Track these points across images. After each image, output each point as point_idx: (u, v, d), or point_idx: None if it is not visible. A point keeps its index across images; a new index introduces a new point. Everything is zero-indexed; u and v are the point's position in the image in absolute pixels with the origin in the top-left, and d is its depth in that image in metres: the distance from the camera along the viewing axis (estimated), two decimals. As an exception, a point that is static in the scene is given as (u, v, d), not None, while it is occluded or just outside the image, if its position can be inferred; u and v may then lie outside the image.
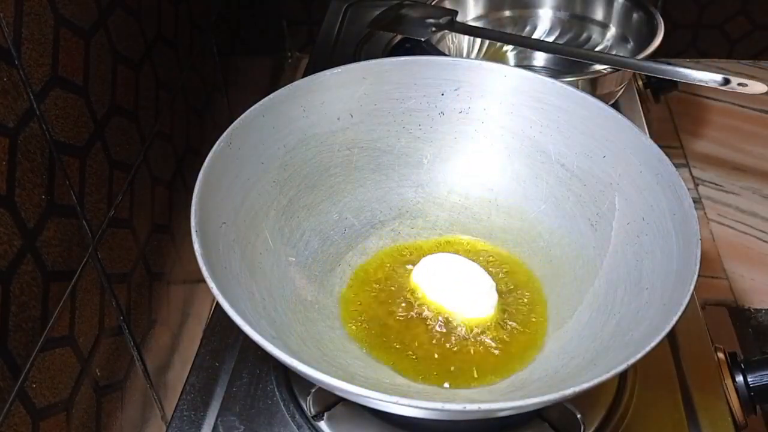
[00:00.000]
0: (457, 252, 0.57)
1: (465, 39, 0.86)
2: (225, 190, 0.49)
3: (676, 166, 0.49)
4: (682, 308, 0.40)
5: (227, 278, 0.44)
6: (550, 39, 0.88)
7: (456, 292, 0.52)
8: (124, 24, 0.62)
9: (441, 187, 0.60)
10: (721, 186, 1.13)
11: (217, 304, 0.40)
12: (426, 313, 0.51)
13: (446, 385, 0.47)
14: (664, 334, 0.39)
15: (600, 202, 0.53)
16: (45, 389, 0.50)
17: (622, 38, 0.84)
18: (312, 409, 0.50)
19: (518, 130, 0.58)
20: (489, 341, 0.50)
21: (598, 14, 0.86)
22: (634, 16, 0.82)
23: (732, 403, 0.52)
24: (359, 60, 0.58)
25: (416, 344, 0.50)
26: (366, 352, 0.49)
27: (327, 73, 0.56)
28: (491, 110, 0.58)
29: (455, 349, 0.49)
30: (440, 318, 0.51)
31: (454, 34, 0.83)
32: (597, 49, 0.85)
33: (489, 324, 0.51)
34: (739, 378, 0.53)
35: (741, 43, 1.32)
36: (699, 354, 0.56)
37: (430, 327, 0.51)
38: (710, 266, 1.01)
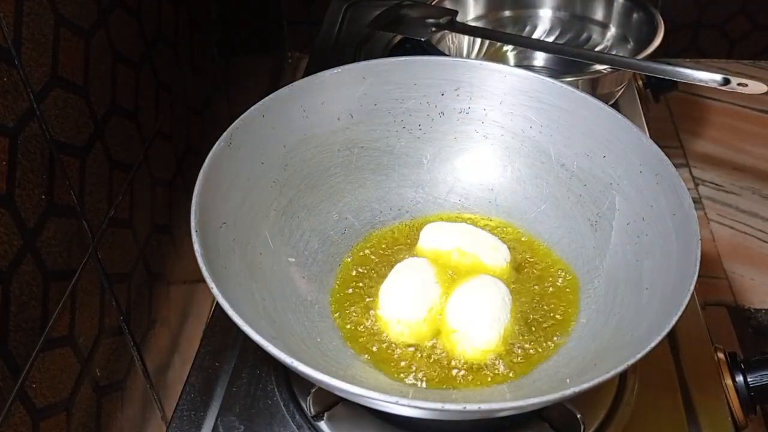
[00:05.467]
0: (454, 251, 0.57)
1: (465, 39, 0.86)
2: (225, 190, 0.49)
3: (676, 166, 0.49)
4: (682, 308, 0.40)
5: (227, 278, 0.44)
6: (550, 39, 0.88)
7: (467, 315, 0.50)
8: (124, 24, 0.62)
9: (441, 187, 0.60)
10: (721, 186, 1.13)
11: (217, 304, 0.40)
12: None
13: (445, 384, 0.47)
14: (664, 334, 0.39)
15: (600, 202, 0.53)
16: (45, 389, 0.50)
17: (622, 38, 0.84)
18: (312, 409, 0.50)
19: (518, 130, 0.58)
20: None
21: (598, 14, 0.86)
22: (634, 16, 0.82)
23: (732, 403, 0.52)
24: (359, 60, 0.58)
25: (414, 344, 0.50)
26: (365, 354, 0.49)
27: (327, 73, 0.56)
28: (491, 110, 0.58)
29: (454, 353, 0.49)
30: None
31: (454, 34, 0.83)
32: (597, 49, 0.85)
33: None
34: (739, 378, 0.53)
35: (741, 43, 1.32)
36: (699, 354, 0.56)
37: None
38: (710, 266, 1.01)
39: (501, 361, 0.48)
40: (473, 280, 0.52)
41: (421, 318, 0.50)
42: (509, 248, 0.55)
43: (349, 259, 0.56)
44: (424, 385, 0.47)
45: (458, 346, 0.49)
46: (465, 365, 0.48)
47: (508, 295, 0.51)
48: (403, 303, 0.51)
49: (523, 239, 0.57)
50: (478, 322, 0.49)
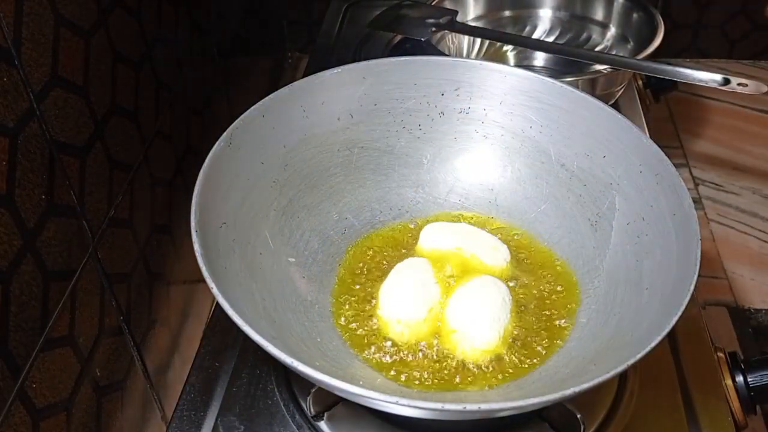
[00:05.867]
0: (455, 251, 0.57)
1: (465, 39, 0.86)
2: (225, 190, 0.49)
3: (676, 166, 0.49)
4: (682, 308, 0.40)
5: (227, 278, 0.44)
6: (550, 39, 0.88)
7: (467, 315, 0.50)
8: (124, 24, 0.62)
9: (441, 187, 0.60)
10: (721, 186, 1.13)
11: (217, 304, 0.40)
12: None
13: (445, 385, 0.47)
14: (664, 334, 0.39)
15: (600, 202, 0.53)
16: (45, 389, 0.50)
17: (622, 38, 0.84)
18: (312, 409, 0.50)
19: (518, 130, 0.58)
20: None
21: (598, 14, 0.86)
22: (634, 16, 0.82)
23: (732, 403, 0.52)
24: (359, 60, 0.58)
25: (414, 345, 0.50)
26: (365, 354, 0.49)
27: (327, 73, 0.56)
28: (491, 110, 0.58)
29: (453, 354, 0.49)
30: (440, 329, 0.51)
31: (454, 34, 0.83)
32: (597, 49, 0.85)
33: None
34: (739, 378, 0.53)
35: (741, 43, 1.32)
36: (699, 354, 0.56)
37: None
38: (710, 266, 1.01)
39: (501, 361, 0.48)
40: (473, 280, 0.52)
41: (421, 318, 0.50)
42: (509, 248, 0.55)
43: (349, 259, 0.56)
44: (423, 385, 0.47)
45: (458, 346, 0.49)
46: (465, 365, 0.48)
47: (508, 295, 0.51)
48: (403, 303, 0.51)
49: (523, 239, 0.57)
50: (478, 322, 0.49)
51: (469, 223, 0.58)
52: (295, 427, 0.51)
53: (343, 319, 0.51)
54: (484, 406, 0.37)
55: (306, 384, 0.51)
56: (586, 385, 0.37)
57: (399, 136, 0.59)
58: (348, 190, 0.58)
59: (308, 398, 0.50)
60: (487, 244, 0.55)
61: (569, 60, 0.77)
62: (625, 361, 0.38)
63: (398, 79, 0.57)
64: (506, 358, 0.48)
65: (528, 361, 0.48)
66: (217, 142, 0.49)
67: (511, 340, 0.49)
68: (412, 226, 0.59)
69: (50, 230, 0.50)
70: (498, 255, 0.54)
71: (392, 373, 0.48)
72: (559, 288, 0.53)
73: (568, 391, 0.37)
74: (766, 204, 1.10)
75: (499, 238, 0.56)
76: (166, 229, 0.73)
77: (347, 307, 0.52)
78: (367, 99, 0.57)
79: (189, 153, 0.78)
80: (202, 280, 0.41)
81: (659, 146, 0.50)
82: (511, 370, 0.48)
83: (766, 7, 1.21)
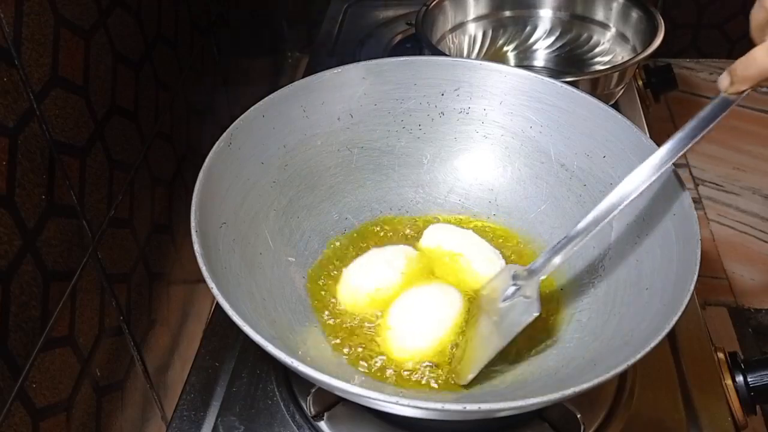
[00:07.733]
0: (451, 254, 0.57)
1: (465, 39, 0.86)
2: (225, 190, 0.49)
3: (676, 166, 0.49)
4: (682, 308, 0.40)
5: (227, 278, 0.44)
6: (551, 39, 0.88)
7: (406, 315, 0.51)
8: (124, 24, 0.62)
9: (441, 187, 0.60)
10: (721, 186, 1.13)
11: (217, 304, 0.40)
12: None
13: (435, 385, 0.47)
14: (664, 334, 0.39)
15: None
16: (45, 389, 0.50)
17: (622, 38, 0.84)
18: (312, 409, 0.50)
19: (518, 130, 0.58)
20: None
21: (598, 14, 0.86)
22: (634, 15, 0.82)
23: (732, 403, 0.52)
24: (359, 60, 0.58)
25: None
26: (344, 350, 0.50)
27: (327, 73, 0.56)
28: (491, 110, 0.58)
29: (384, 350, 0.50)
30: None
31: (454, 33, 0.83)
32: (597, 49, 0.85)
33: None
34: (739, 378, 0.53)
35: (741, 43, 1.32)
36: (699, 354, 0.56)
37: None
38: (710, 266, 1.01)
39: (436, 367, 0.48)
40: (432, 285, 0.52)
41: (368, 291, 0.51)
42: (508, 249, 0.55)
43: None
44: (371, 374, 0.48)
45: (389, 344, 0.49)
46: (394, 365, 0.48)
47: (459, 307, 0.51)
48: (362, 273, 0.52)
49: (521, 240, 0.57)
50: (413, 326, 0.49)
51: (470, 223, 0.58)
52: (295, 427, 0.51)
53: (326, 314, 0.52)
54: (484, 406, 0.37)
55: (306, 384, 0.51)
56: (586, 385, 0.37)
57: (399, 136, 0.59)
58: (348, 190, 0.58)
59: (308, 398, 0.50)
60: (483, 255, 0.54)
61: (569, 60, 0.77)
62: (625, 361, 0.38)
63: (398, 79, 0.57)
64: (440, 366, 0.48)
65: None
66: (217, 142, 0.49)
67: (451, 350, 0.49)
68: (412, 226, 0.59)
69: (50, 230, 0.50)
70: (491, 268, 0.54)
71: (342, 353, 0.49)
72: (558, 285, 0.53)
73: (568, 391, 0.37)
74: (766, 204, 1.10)
75: (501, 240, 0.56)
76: (166, 229, 0.73)
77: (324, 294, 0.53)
78: (367, 99, 0.57)
79: (189, 153, 0.78)
80: (202, 280, 0.41)
81: (659, 146, 0.50)
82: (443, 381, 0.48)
83: None
